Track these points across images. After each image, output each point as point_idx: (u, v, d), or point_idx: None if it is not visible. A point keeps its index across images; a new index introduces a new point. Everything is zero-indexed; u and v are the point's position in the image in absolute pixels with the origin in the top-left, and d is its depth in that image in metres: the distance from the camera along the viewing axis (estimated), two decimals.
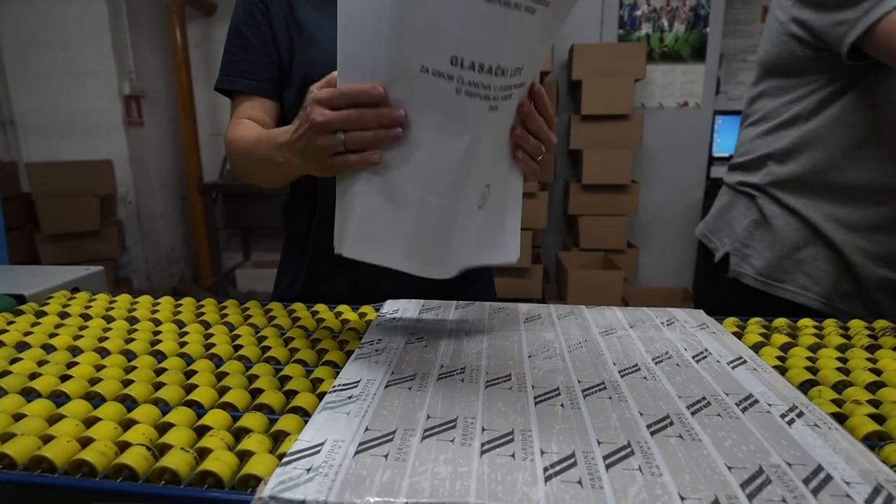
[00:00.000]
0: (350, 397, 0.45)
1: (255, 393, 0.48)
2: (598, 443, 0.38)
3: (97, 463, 0.37)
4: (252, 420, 0.42)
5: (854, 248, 0.82)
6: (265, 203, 3.35)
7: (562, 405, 0.44)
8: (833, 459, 0.37)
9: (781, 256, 0.86)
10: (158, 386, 0.49)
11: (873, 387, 0.50)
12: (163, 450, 0.39)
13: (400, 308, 0.68)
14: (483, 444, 0.38)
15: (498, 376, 0.49)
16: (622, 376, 0.50)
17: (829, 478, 0.35)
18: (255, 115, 0.74)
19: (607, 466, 0.36)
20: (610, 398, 0.45)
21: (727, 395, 0.46)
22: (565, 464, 0.36)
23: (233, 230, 3.75)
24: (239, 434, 0.41)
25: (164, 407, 0.45)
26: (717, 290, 0.95)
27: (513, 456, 0.37)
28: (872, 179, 0.80)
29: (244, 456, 0.38)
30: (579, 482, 0.34)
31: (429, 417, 0.42)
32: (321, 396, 0.46)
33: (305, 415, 0.44)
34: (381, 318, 0.64)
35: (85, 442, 0.39)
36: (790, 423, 0.42)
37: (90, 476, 0.36)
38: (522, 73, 0.46)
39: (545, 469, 0.35)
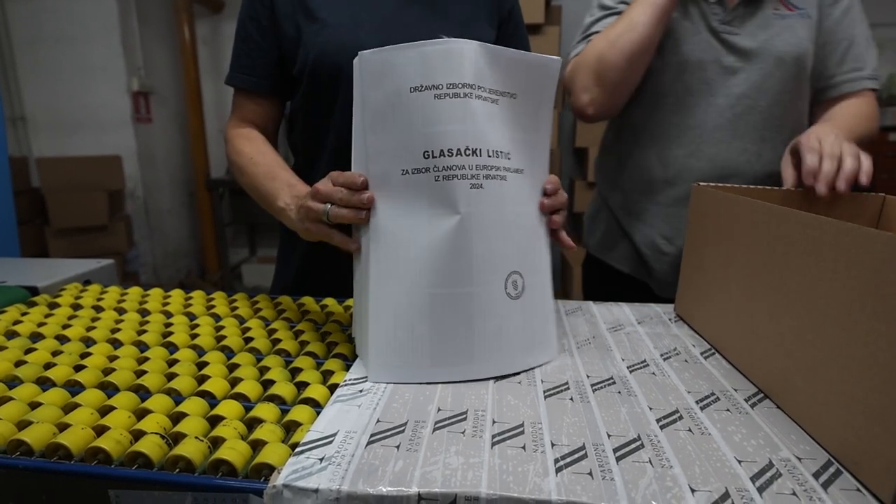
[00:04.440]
0: (361, 391, 0.45)
1: (267, 384, 0.48)
2: (608, 436, 0.39)
3: (112, 451, 0.37)
4: (264, 410, 0.43)
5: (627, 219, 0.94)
6: None
7: (571, 399, 0.44)
8: (843, 454, 0.37)
9: (608, 237, 0.99)
10: (171, 376, 0.49)
11: None
12: (177, 438, 0.39)
13: None
14: (494, 436, 0.38)
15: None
16: (631, 371, 0.50)
17: (839, 472, 0.35)
18: (254, 117, 0.75)
19: (618, 459, 0.36)
20: (619, 392, 0.45)
21: (736, 390, 0.46)
22: (576, 456, 0.36)
23: (239, 226, 3.76)
24: (251, 424, 0.42)
25: (177, 397, 0.46)
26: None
27: (523, 448, 0.37)
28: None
29: (257, 445, 0.38)
30: (590, 474, 0.34)
31: (439, 410, 0.42)
32: (332, 388, 0.46)
33: (317, 406, 0.44)
34: None
35: (100, 430, 0.40)
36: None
37: (106, 463, 0.37)
38: (512, 159, 0.49)
39: (556, 461, 0.36)
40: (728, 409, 0.43)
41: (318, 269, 0.80)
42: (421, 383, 0.47)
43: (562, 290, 2.90)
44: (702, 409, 0.43)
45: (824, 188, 0.60)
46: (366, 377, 0.48)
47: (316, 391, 0.46)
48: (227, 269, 3.35)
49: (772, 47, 0.80)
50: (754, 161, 0.83)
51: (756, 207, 0.49)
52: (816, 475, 0.35)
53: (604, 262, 1.01)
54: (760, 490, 0.33)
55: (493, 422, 0.40)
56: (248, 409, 0.44)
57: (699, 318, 0.61)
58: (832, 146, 0.63)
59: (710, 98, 0.82)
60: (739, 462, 0.36)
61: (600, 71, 0.81)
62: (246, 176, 0.69)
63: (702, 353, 0.54)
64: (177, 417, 0.42)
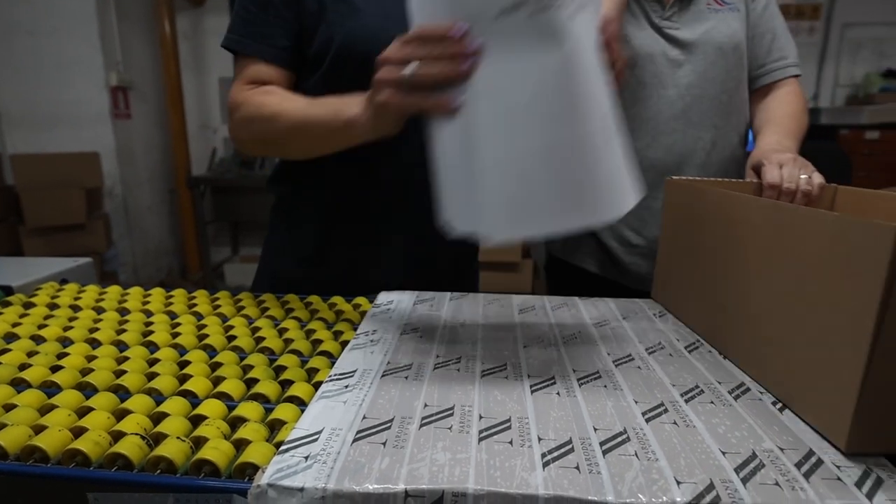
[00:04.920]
0: (346, 386, 0.45)
1: (251, 383, 0.48)
2: (595, 429, 0.39)
3: (91, 452, 0.36)
4: (248, 409, 0.42)
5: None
6: (254, 197, 3.32)
7: (558, 393, 0.44)
8: (823, 444, 0.38)
9: (572, 236, 1.00)
10: (152, 376, 0.48)
11: None
12: (157, 439, 0.38)
13: (394, 300, 0.68)
14: (481, 432, 0.38)
15: (494, 366, 0.49)
16: (616, 366, 0.50)
17: (820, 462, 0.36)
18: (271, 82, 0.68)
19: (604, 452, 0.36)
20: (605, 386, 0.46)
21: (719, 383, 0.47)
22: (563, 450, 0.36)
23: (221, 224, 3.71)
24: (235, 423, 0.41)
25: (158, 397, 0.45)
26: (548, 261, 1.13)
27: (510, 443, 0.37)
28: None
29: (240, 445, 0.38)
30: (577, 468, 0.34)
31: (426, 406, 0.42)
32: (317, 386, 0.46)
33: (301, 404, 0.44)
34: (376, 310, 0.64)
35: (78, 432, 0.39)
36: (781, 409, 0.42)
37: (84, 466, 0.36)
38: None
39: (543, 455, 0.36)
40: (712, 402, 0.43)
41: (333, 250, 0.77)
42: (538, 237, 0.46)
43: (547, 287, 2.91)
44: (686, 401, 0.43)
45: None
46: (352, 372, 0.47)
47: (300, 389, 0.45)
48: (208, 268, 3.31)
49: (711, 38, 0.86)
50: (709, 149, 0.88)
51: (722, 196, 0.54)
52: (798, 465, 0.35)
53: (569, 262, 1.01)
54: (744, 481, 0.33)
55: (480, 417, 0.40)
56: (231, 408, 0.43)
57: (676, 303, 0.65)
58: (790, 177, 0.69)
59: (661, 90, 0.87)
60: (724, 453, 0.36)
61: None
62: (282, 120, 0.61)
63: (686, 347, 0.55)
64: (158, 418, 0.41)
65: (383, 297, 0.69)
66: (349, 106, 0.53)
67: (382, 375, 0.47)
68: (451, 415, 0.41)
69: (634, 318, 0.64)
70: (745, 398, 0.44)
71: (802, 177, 0.69)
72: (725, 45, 0.86)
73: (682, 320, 0.62)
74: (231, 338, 0.57)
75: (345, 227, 0.76)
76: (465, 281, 0.87)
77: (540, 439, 0.37)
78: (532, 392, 0.44)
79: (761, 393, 0.45)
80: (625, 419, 0.40)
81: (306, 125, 0.59)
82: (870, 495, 0.32)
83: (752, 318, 0.49)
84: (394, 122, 0.50)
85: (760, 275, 0.47)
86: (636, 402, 0.43)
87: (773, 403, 0.43)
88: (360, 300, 0.70)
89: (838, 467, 0.35)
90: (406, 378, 0.47)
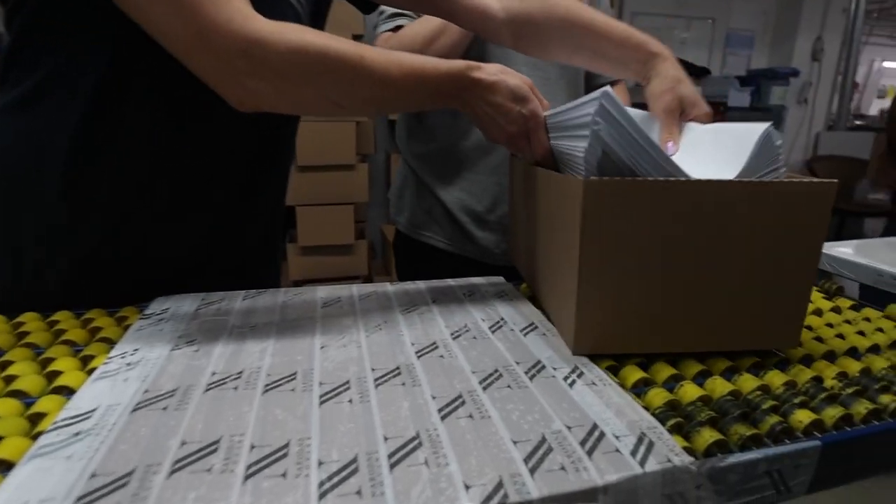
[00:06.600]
0: (77, 434, 0.35)
1: None
2: (385, 439, 0.35)
3: None
4: None
5: (452, 200, 0.95)
6: None
7: (350, 401, 0.40)
8: (606, 415, 0.38)
9: (419, 211, 0.99)
10: None
11: None
12: None
13: (171, 306, 0.57)
14: (249, 467, 0.32)
15: (280, 377, 0.43)
16: (419, 357, 0.47)
17: (602, 435, 0.36)
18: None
19: (391, 466, 0.32)
20: (403, 384, 0.42)
21: (518, 363, 0.46)
22: (345, 472, 0.32)
23: None
24: None
25: None
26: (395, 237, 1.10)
27: (284, 475, 0.31)
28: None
29: None
30: (358, 493, 0.30)
31: (184, 444, 0.34)
32: (38, 437, 0.35)
33: (9, 470, 0.33)
34: (144, 322, 0.53)
35: None
36: (571, 384, 0.43)
37: None
38: None
39: (321, 484, 0.31)
40: (509, 386, 0.42)
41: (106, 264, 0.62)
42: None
43: (384, 268, 2.89)
44: (484, 389, 0.42)
45: None
46: (90, 412, 0.37)
47: (9, 448, 0.34)
48: None
49: None
50: None
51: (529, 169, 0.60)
52: (583, 443, 0.35)
53: (417, 240, 0.99)
54: (532, 471, 0.32)
55: (252, 447, 0.34)
56: None
57: (522, 266, 0.72)
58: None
59: (516, 67, 0.87)
60: (515, 443, 0.35)
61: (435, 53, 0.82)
62: (371, 71, 0.50)
63: (490, 328, 0.54)
64: None
65: (158, 305, 0.58)
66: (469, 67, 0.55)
67: (133, 410, 0.38)
68: (215, 451, 0.33)
69: (444, 300, 0.62)
70: (539, 377, 0.44)
71: None
72: None
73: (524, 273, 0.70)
74: None
75: (139, 213, 0.61)
76: (268, 270, 0.79)
77: (321, 463, 0.32)
78: (321, 403, 0.39)
79: (555, 369, 0.45)
80: (419, 421, 0.37)
81: (412, 74, 0.53)
82: (642, 462, 0.33)
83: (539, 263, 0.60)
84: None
85: (544, 229, 0.57)
86: (433, 398, 0.40)
87: (565, 379, 0.44)
88: (128, 311, 0.57)
89: (617, 437, 0.36)
90: (165, 409, 0.38)
